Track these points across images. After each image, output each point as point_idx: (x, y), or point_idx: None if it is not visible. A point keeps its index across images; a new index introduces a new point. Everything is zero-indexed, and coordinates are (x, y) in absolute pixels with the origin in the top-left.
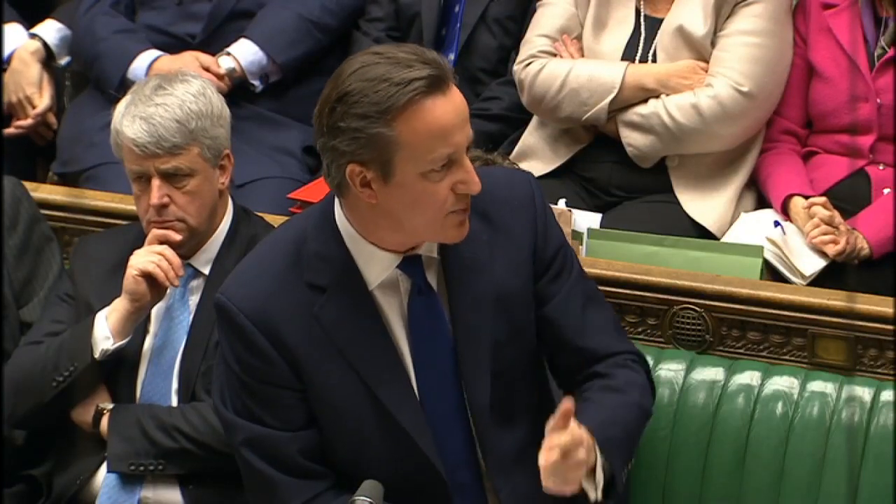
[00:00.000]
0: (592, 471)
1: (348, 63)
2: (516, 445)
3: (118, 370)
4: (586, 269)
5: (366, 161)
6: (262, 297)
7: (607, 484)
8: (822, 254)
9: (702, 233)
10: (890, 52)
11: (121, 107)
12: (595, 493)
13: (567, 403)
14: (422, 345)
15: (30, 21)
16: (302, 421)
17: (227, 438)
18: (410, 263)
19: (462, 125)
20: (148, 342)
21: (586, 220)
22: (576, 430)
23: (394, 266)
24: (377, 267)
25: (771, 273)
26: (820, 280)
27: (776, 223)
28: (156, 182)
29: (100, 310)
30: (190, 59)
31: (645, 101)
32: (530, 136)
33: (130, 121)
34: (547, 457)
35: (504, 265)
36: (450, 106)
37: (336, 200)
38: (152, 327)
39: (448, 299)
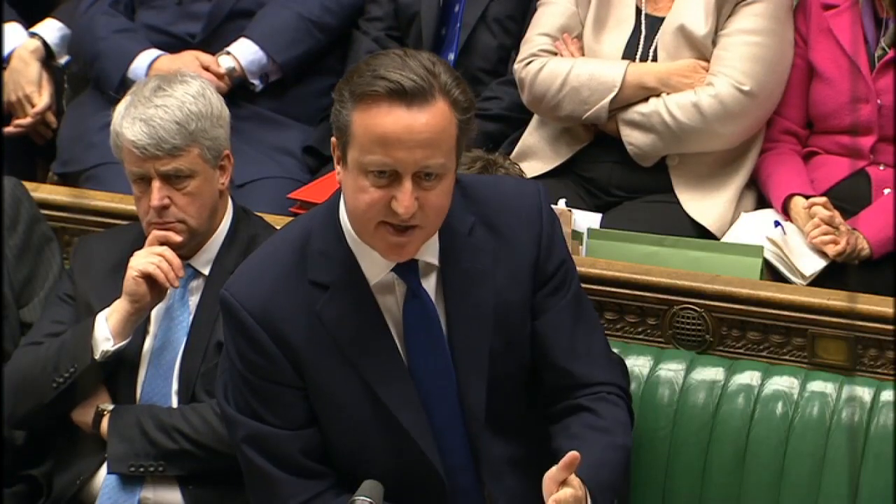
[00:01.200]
0: None
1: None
2: (510, 453)
3: (118, 371)
4: (586, 270)
5: (338, 136)
6: (266, 294)
7: None
8: (823, 254)
9: (702, 233)
10: (890, 54)
11: (120, 108)
12: None
13: (573, 454)
14: (417, 348)
15: (29, 21)
16: (303, 419)
17: (229, 435)
18: (406, 268)
19: (411, 146)
20: (148, 343)
21: (586, 220)
22: (577, 483)
23: (389, 269)
24: (374, 267)
25: (771, 273)
26: (820, 280)
27: (776, 223)
28: (156, 184)
29: (100, 310)
30: (190, 59)
31: (646, 99)
32: (530, 136)
33: (130, 123)
34: None
35: (506, 276)
36: (404, 120)
37: (341, 199)
38: (152, 328)
39: (445, 309)
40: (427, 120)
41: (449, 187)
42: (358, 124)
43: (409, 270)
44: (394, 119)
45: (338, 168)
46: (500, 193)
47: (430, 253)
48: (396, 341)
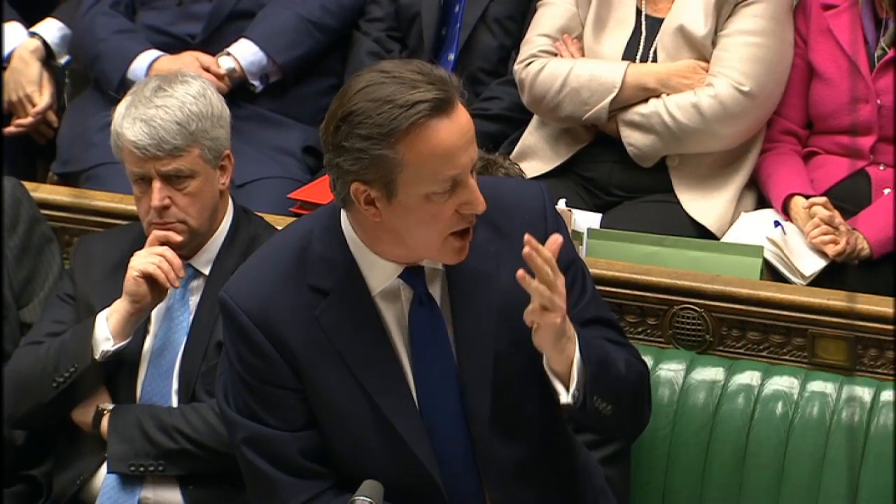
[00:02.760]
0: (568, 373)
1: (355, 80)
2: (516, 458)
3: (118, 371)
4: None
5: (369, 181)
6: (265, 296)
7: (579, 404)
8: (822, 254)
9: (702, 233)
10: (890, 54)
11: (121, 108)
12: (566, 394)
13: (555, 236)
14: (421, 355)
15: (29, 20)
16: (302, 421)
17: (229, 436)
18: (413, 274)
19: (466, 146)
20: (148, 343)
21: (586, 220)
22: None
23: (395, 275)
24: (380, 275)
25: (771, 273)
26: (820, 280)
27: (776, 223)
28: (156, 184)
29: (100, 310)
30: (190, 60)
31: (645, 100)
32: (530, 136)
33: (131, 123)
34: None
35: (510, 277)
36: (454, 128)
37: None
38: (152, 328)
39: (451, 311)
40: (465, 118)
41: None
42: (411, 155)
43: (415, 276)
44: (447, 131)
45: (371, 210)
46: (501, 195)
47: None
48: (399, 348)
